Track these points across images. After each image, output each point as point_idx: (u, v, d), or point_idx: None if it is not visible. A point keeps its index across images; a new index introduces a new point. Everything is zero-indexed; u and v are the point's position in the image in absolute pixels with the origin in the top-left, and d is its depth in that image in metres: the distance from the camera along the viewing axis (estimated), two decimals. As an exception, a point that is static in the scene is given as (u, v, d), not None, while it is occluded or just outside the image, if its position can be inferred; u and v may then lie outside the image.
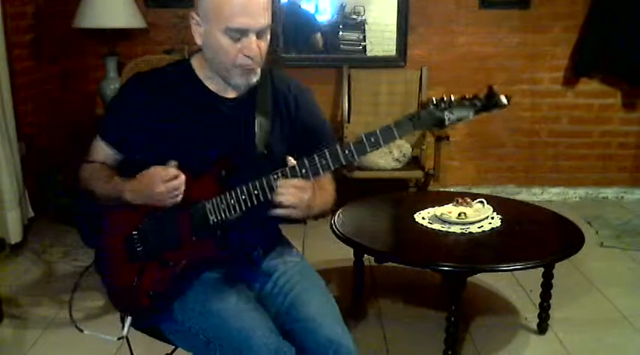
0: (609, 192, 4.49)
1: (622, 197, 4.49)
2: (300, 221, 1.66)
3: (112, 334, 1.72)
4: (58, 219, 3.76)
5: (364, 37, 4.23)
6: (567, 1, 4.15)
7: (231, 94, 1.61)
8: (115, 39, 3.90)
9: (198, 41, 1.53)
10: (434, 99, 1.38)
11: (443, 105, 1.37)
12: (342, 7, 4.17)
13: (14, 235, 3.36)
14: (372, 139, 1.39)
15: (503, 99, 1.36)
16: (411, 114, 1.38)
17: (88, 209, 1.66)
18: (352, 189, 3.69)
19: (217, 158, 1.53)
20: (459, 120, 1.38)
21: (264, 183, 1.46)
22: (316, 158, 1.43)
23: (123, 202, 1.55)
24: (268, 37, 1.53)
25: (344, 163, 1.42)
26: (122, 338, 1.70)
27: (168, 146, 1.55)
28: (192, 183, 1.52)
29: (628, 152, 4.42)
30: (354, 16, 4.18)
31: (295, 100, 1.67)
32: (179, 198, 1.50)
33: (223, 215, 1.51)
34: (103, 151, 1.65)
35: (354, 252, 2.67)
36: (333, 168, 1.44)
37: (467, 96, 1.37)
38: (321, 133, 1.69)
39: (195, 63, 1.62)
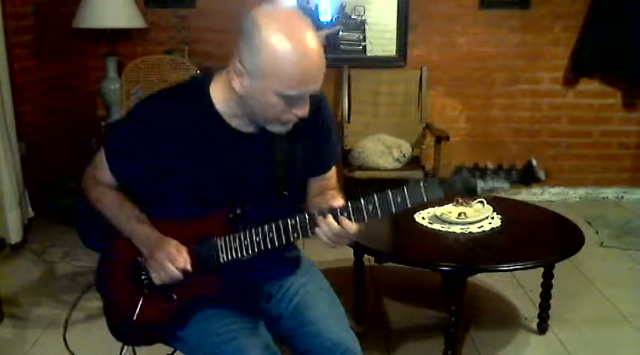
0: (609, 192, 4.49)
1: (622, 197, 4.49)
2: None
3: (111, 338, 1.71)
4: (58, 219, 3.76)
5: (364, 37, 4.23)
6: (567, 1, 4.15)
7: (252, 129, 1.48)
8: (115, 39, 3.90)
9: (237, 89, 1.36)
10: (467, 165, 1.31)
11: (477, 172, 1.30)
12: (342, 7, 4.17)
13: (14, 235, 3.36)
14: (399, 200, 1.32)
15: (542, 176, 1.27)
16: (443, 178, 1.32)
17: (87, 210, 1.64)
18: (352, 189, 3.70)
19: (229, 196, 1.46)
20: (493, 190, 1.31)
21: (280, 227, 1.40)
22: (338, 211, 1.36)
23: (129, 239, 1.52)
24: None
25: (366, 221, 1.36)
26: None
27: (179, 179, 1.48)
28: (206, 217, 1.47)
29: (628, 152, 4.42)
30: (354, 16, 4.19)
31: (316, 114, 1.53)
32: (163, 280, 1.46)
33: (235, 255, 1.44)
34: (107, 175, 1.56)
35: (354, 252, 2.67)
36: (355, 221, 1.36)
37: (503, 167, 1.31)
38: (330, 151, 1.63)
39: (216, 95, 1.45)
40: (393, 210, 1.33)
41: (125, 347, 1.69)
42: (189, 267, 1.44)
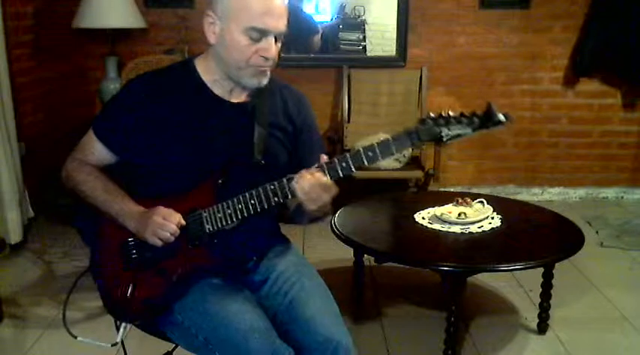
0: (609, 192, 4.49)
1: (622, 197, 4.49)
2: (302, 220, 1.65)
3: (111, 335, 1.71)
4: (58, 219, 3.76)
5: (364, 37, 4.23)
6: (567, 1, 4.15)
7: (235, 99, 1.60)
8: (115, 39, 3.90)
9: (212, 40, 1.52)
10: (431, 114, 1.39)
11: (441, 121, 1.38)
12: (342, 7, 4.17)
13: (14, 235, 3.36)
14: (370, 154, 1.40)
15: (501, 117, 1.37)
16: (409, 129, 1.39)
17: (86, 208, 1.65)
18: (352, 189, 3.69)
19: (215, 167, 1.52)
20: (457, 136, 1.38)
21: (261, 193, 1.46)
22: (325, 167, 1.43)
23: (116, 221, 1.56)
24: (280, 42, 1.54)
25: (341, 175, 1.42)
26: (116, 344, 1.71)
27: (168, 150, 1.55)
28: (190, 192, 1.52)
29: (628, 152, 4.42)
30: (354, 16, 4.19)
31: (297, 109, 1.68)
32: (160, 241, 1.50)
33: (219, 224, 1.50)
34: (97, 151, 1.62)
35: (354, 252, 2.67)
36: (330, 177, 1.42)
37: (465, 114, 1.38)
38: (314, 145, 1.71)
39: (200, 66, 1.60)
40: (365, 163, 1.41)
41: (119, 335, 1.70)
42: (183, 221, 1.50)
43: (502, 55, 4.26)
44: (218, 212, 1.50)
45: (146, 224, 1.50)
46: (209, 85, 1.58)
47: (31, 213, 3.60)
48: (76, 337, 1.72)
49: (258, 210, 1.48)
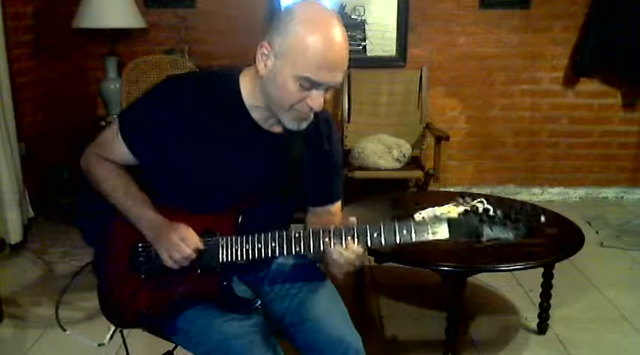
0: (609, 192, 4.49)
1: (622, 197, 4.49)
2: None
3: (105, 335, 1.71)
4: (58, 219, 3.76)
5: (364, 37, 4.23)
6: (567, 1, 4.15)
7: (271, 128, 1.52)
8: (115, 39, 3.90)
9: (262, 71, 1.41)
10: (477, 208, 1.33)
11: (486, 219, 1.32)
12: (342, 7, 4.17)
13: (14, 235, 3.36)
14: (405, 231, 1.37)
15: (543, 220, 1.35)
16: (451, 219, 1.35)
17: (88, 208, 1.64)
18: (352, 189, 3.70)
19: (241, 193, 1.47)
20: (498, 240, 1.33)
21: (284, 237, 1.42)
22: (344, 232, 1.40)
23: (134, 224, 1.51)
24: (332, 90, 1.44)
25: (369, 244, 1.40)
26: (102, 344, 1.70)
27: (195, 166, 1.49)
28: (211, 213, 1.48)
29: (628, 152, 4.43)
30: (354, 16, 4.19)
31: (329, 140, 1.60)
32: (172, 262, 1.46)
33: (234, 257, 1.45)
34: (120, 153, 1.55)
35: (354, 252, 2.67)
36: (359, 243, 1.40)
37: (511, 216, 1.33)
38: (333, 183, 1.65)
39: (244, 85, 1.49)
40: (398, 240, 1.37)
41: (107, 336, 1.70)
42: (201, 246, 1.45)
43: (502, 55, 4.26)
44: (236, 243, 1.45)
45: (162, 239, 1.45)
46: (248, 107, 1.49)
47: (31, 213, 3.60)
48: (65, 329, 1.72)
49: (277, 254, 1.43)
